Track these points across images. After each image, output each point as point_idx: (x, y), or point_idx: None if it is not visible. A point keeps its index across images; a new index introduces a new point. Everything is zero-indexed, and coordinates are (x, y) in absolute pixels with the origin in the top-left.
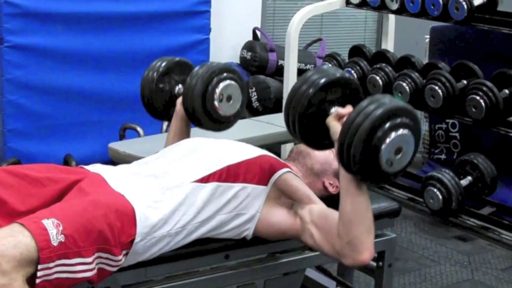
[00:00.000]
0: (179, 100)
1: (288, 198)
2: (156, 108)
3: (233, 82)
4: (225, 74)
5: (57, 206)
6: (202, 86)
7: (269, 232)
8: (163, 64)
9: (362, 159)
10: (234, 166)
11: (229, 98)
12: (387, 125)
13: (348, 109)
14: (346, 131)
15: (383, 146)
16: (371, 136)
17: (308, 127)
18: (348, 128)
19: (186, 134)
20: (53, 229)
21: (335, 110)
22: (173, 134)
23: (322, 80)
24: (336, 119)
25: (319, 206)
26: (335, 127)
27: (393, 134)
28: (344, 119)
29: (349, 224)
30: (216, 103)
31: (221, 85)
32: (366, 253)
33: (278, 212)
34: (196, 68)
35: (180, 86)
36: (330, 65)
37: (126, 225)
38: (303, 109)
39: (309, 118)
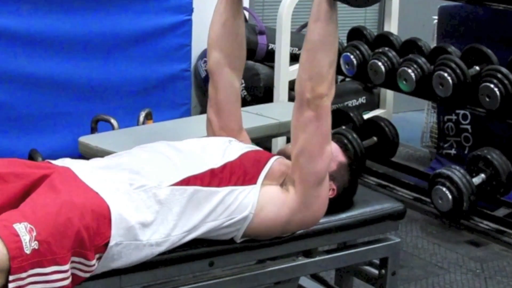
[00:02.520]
0: None
1: (282, 177)
2: None
3: None
4: None
5: (28, 207)
6: None
7: (261, 228)
8: None
9: None
10: (217, 170)
11: None
12: None
13: None
14: None
15: None
16: None
17: None
18: None
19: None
20: (26, 235)
21: None
22: None
23: None
24: None
25: None
26: None
27: None
28: None
29: (314, 55)
30: None
31: None
32: (325, 85)
33: (271, 196)
34: None
35: None
36: None
37: (101, 226)
38: None
39: None
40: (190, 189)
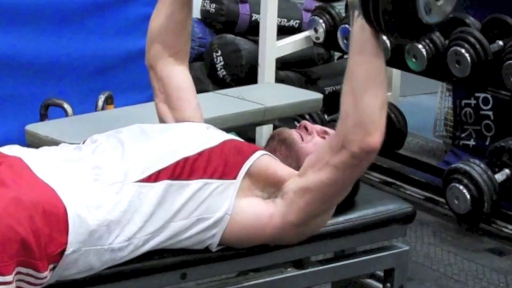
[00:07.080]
0: None
1: (267, 186)
2: None
3: None
4: None
5: None
6: None
7: (241, 235)
8: None
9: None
10: (192, 158)
11: None
12: None
13: None
14: None
15: None
16: None
17: None
18: None
19: (187, 17)
20: None
21: None
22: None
23: None
24: None
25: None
26: None
27: None
28: None
29: (361, 97)
30: None
31: None
32: (378, 134)
33: (252, 204)
34: None
35: None
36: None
37: (55, 231)
38: None
39: None
40: (160, 185)
